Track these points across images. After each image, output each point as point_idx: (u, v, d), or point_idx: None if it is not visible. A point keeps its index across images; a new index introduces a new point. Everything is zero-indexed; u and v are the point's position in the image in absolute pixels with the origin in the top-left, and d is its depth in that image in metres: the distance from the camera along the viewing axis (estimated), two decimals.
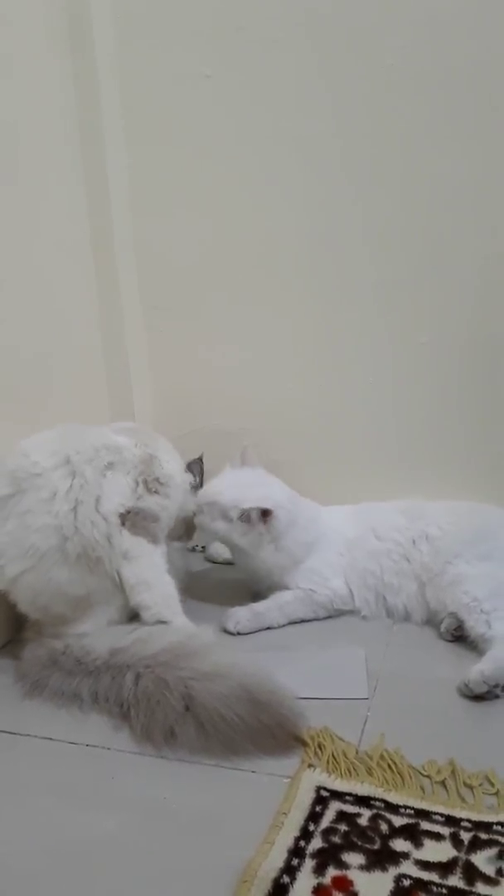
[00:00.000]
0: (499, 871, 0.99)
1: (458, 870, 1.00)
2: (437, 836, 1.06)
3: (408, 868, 1.00)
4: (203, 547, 2.03)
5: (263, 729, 1.26)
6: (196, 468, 1.85)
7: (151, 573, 1.58)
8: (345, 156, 1.82)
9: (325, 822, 1.09)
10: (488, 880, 0.98)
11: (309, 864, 1.01)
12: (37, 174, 1.82)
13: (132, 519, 1.56)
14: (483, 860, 1.01)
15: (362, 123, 1.79)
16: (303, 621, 1.74)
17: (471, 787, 1.16)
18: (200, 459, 1.86)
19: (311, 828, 1.08)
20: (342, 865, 1.01)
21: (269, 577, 1.77)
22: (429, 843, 1.05)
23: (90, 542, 1.50)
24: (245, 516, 1.69)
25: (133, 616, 1.60)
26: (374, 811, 1.12)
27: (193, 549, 2.04)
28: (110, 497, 1.54)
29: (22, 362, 1.77)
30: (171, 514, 1.68)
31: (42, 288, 1.84)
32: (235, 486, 1.75)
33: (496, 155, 1.73)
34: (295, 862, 1.02)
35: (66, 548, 1.49)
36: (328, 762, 1.22)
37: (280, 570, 1.75)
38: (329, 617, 1.76)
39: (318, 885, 0.98)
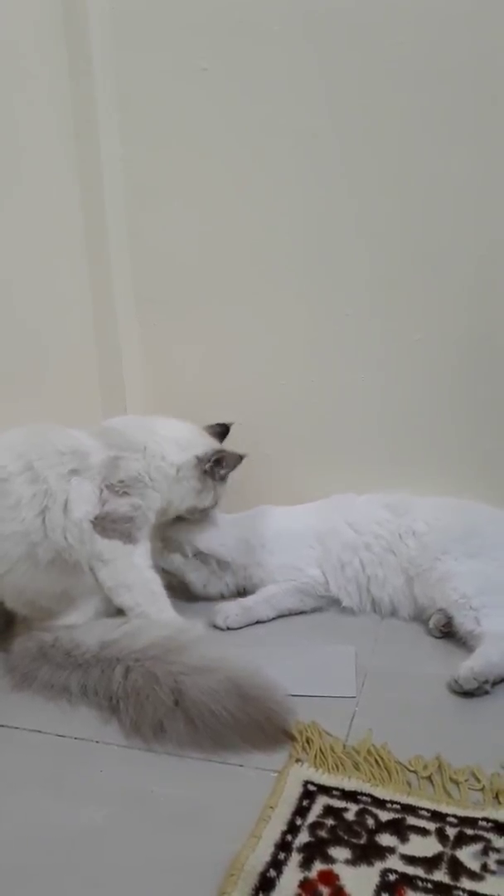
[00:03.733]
0: (483, 867, 1.00)
1: (444, 865, 1.00)
2: (423, 832, 1.07)
3: (393, 863, 1.01)
4: None
5: (252, 723, 1.27)
6: (231, 462, 1.76)
7: (130, 574, 1.58)
8: (340, 151, 1.82)
9: (312, 816, 1.10)
10: (473, 875, 0.99)
11: (295, 858, 1.02)
12: (31, 166, 1.81)
13: (101, 523, 1.56)
14: (468, 855, 1.02)
15: (359, 118, 1.79)
16: (291, 613, 1.76)
17: (457, 783, 1.17)
18: (240, 457, 1.77)
19: (298, 822, 1.09)
20: (328, 860, 1.02)
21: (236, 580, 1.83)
22: (415, 838, 1.05)
23: (62, 547, 1.51)
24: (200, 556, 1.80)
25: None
26: (361, 806, 1.12)
27: None
28: (78, 504, 1.54)
29: (13, 356, 1.77)
30: (150, 510, 1.65)
31: (34, 281, 1.84)
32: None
33: (493, 152, 1.73)
34: (281, 856, 1.02)
35: (36, 553, 1.50)
36: (316, 757, 1.23)
37: (246, 571, 1.82)
38: (317, 610, 1.78)
39: (305, 879, 0.98)
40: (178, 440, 1.71)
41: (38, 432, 1.60)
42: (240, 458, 1.76)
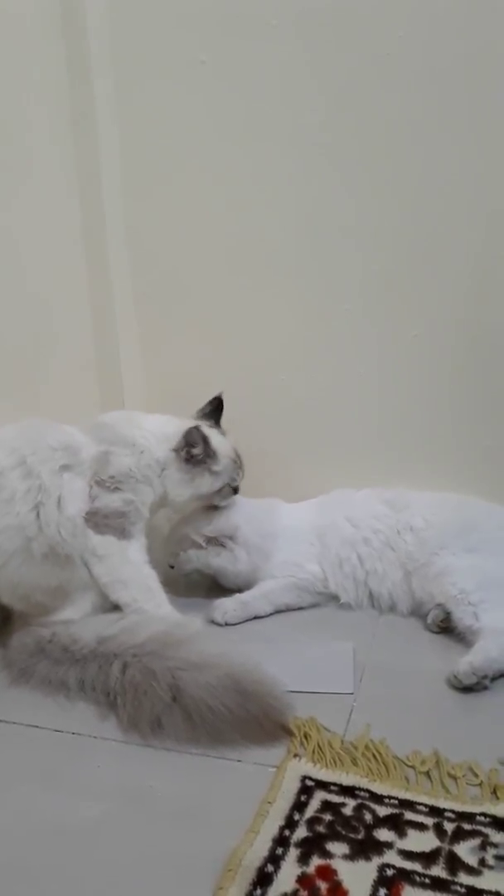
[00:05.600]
0: (481, 862, 1.00)
1: (441, 860, 1.00)
2: (421, 827, 1.07)
3: (391, 858, 1.01)
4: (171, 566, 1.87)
5: (250, 718, 1.27)
6: (194, 438, 1.69)
7: (126, 570, 1.58)
8: (339, 146, 1.81)
9: (310, 811, 1.10)
10: (471, 870, 0.99)
11: (293, 853, 1.02)
12: (27, 160, 1.80)
13: (93, 519, 1.56)
14: (466, 850, 1.02)
15: (356, 114, 1.78)
16: (289, 609, 1.76)
17: (455, 778, 1.17)
18: (196, 429, 1.69)
19: (296, 817, 1.09)
20: (326, 855, 1.02)
21: (249, 578, 1.80)
22: (412, 833, 1.05)
23: (56, 541, 1.51)
24: (213, 542, 1.79)
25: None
26: (359, 801, 1.12)
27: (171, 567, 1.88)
28: (71, 500, 1.54)
29: (11, 350, 1.76)
30: (143, 505, 1.64)
31: (32, 276, 1.83)
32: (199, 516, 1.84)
33: (489, 148, 1.72)
34: (279, 851, 1.02)
35: (31, 547, 1.50)
36: (314, 752, 1.23)
37: (255, 568, 1.80)
38: (315, 605, 1.78)
39: (302, 874, 0.98)
40: (159, 435, 1.70)
41: (32, 428, 1.60)
42: (196, 429, 1.69)
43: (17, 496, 1.50)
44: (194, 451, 1.69)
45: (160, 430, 1.71)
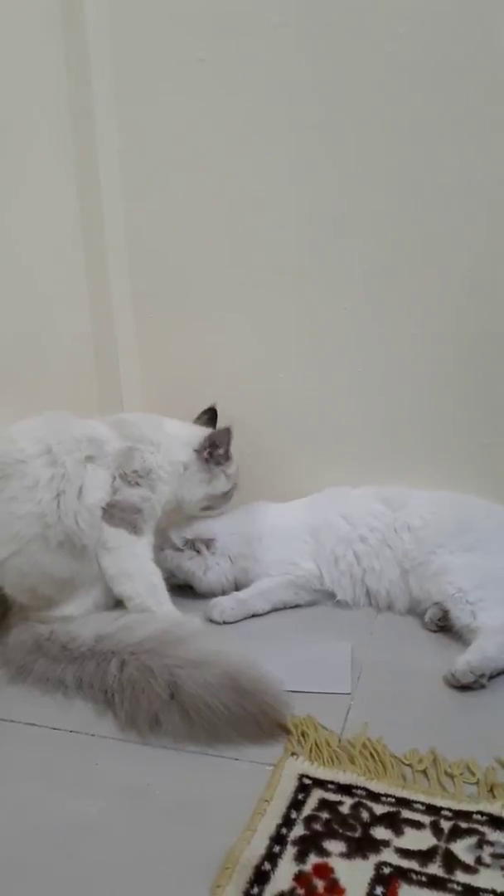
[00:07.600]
0: (478, 860, 1.00)
1: (438, 858, 1.01)
2: (418, 825, 1.07)
3: (388, 856, 1.01)
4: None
5: (247, 717, 1.27)
6: (222, 439, 1.79)
7: (132, 564, 1.59)
8: (338, 144, 1.81)
9: (307, 809, 1.10)
10: (467, 869, 0.99)
11: (290, 851, 1.02)
12: (26, 158, 1.79)
13: (110, 511, 1.58)
14: (462, 849, 1.02)
15: (356, 112, 1.78)
16: (286, 607, 1.76)
17: (452, 777, 1.17)
18: (228, 430, 1.80)
19: (293, 815, 1.09)
20: (323, 853, 1.02)
21: (222, 588, 1.81)
22: (409, 832, 1.06)
23: (73, 531, 1.52)
24: (189, 544, 1.81)
25: (120, 600, 1.61)
26: (356, 799, 1.12)
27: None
28: (92, 490, 1.56)
29: (9, 349, 1.76)
30: (158, 503, 1.68)
31: (30, 274, 1.83)
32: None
33: (489, 146, 1.72)
34: (276, 849, 1.02)
35: (48, 535, 1.51)
36: (311, 750, 1.23)
37: (243, 563, 1.81)
38: (313, 604, 1.78)
39: (299, 872, 0.99)
40: (180, 438, 1.77)
41: (57, 419, 1.62)
42: (227, 430, 1.80)
43: (41, 483, 1.51)
44: (219, 451, 1.78)
45: (180, 433, 1.79)
